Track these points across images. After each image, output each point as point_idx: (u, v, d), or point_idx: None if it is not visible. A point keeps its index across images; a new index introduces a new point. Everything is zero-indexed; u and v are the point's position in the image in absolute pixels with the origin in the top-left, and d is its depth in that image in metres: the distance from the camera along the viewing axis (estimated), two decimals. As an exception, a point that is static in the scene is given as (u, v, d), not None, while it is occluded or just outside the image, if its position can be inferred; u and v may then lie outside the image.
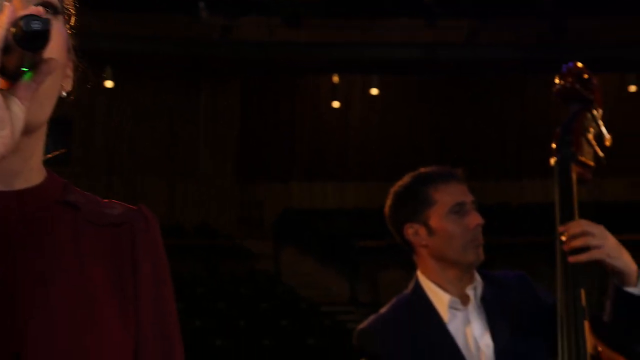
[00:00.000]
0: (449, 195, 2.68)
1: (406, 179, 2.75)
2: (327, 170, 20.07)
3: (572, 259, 2.45)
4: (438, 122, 20.07)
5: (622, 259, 2.44)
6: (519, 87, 19.82)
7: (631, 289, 2.45)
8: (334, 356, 11.80)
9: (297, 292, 14.77)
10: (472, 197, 2.72)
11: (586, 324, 2.46)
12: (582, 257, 2.44)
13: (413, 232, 2.71)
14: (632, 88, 18.72)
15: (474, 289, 2.69)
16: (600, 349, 2.47)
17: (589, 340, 2.45)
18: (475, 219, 2.67)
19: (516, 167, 19.92)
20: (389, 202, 2.75)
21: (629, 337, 2.53)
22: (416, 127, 20.02)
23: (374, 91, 19.89)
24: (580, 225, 2.47)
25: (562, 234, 2.48)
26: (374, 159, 19.63)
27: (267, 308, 13.33)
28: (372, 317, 2.74)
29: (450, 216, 2.67)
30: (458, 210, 2.67)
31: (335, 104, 19.89)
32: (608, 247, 2.43)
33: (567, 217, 2.54)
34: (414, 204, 2.70)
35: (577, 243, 2.44)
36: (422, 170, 2.76)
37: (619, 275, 2.45)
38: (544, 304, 2.71)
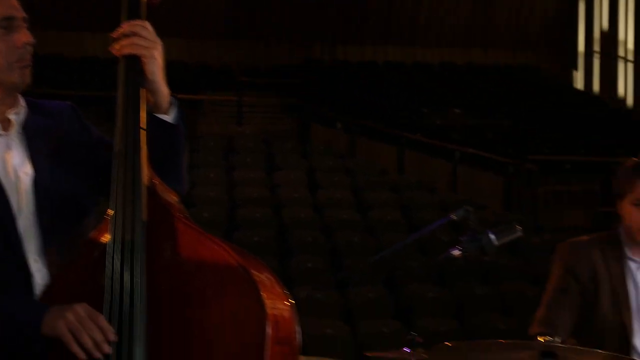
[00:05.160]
0: None
1: None
2: None
3: (116, 50, 2.36)
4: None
5: (160, 75, 2.39)
6: None
7: (164, 117, 2.44)
8: None
9: None
10: (24, 13, 2.46)
11: (143, 156, 2.36)
12: (126, 50, 2.36)
13: None
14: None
15: (17, 114, 2.48)
16: (155, 181, 2.39)
17: (146, 173, 2.36)
18: (24, 37, 2.42)
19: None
20: None
21: (166, 162, 2.47)
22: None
23: None
24: (133, 25, 2.38)
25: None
26: None
27: None
28: None
29: None
30: (6, 25, 2.40)
31: None
32: (153, 54, 2.37)
33: None
34: None
35: (125, 42, 2.37)
36: None
37: (154, 95, 2.41)
38: (94, 137, 2.58)
